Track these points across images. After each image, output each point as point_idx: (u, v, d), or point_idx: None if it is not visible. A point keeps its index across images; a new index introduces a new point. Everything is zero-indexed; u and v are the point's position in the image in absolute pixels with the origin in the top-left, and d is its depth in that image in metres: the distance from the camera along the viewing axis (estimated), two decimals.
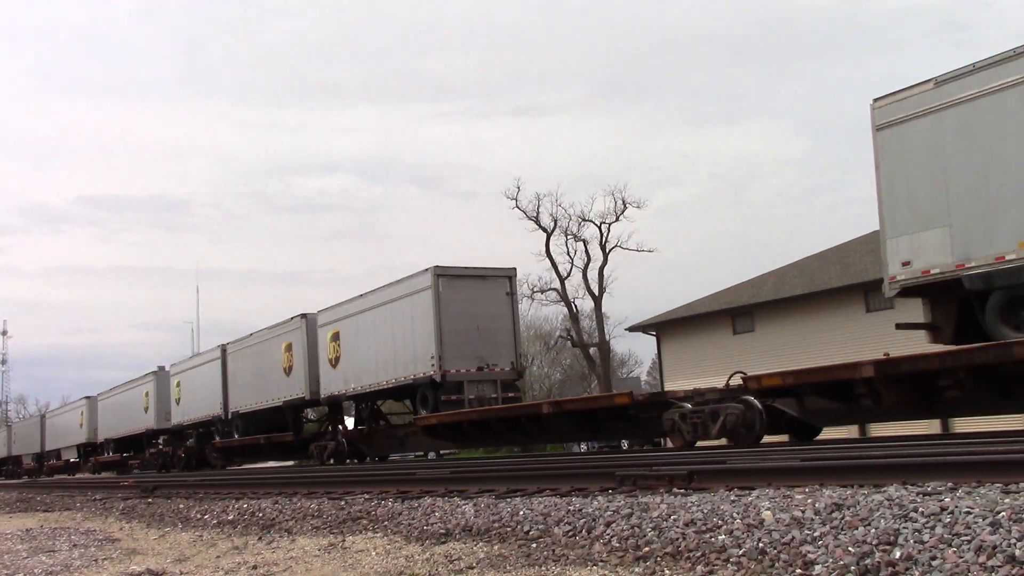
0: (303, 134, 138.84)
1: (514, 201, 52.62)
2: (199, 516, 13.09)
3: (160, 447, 41.50)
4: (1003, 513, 5.09)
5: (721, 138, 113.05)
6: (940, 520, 5.24)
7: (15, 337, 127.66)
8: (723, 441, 17.28)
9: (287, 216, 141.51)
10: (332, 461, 28.27)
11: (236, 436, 33.95)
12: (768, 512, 6.20)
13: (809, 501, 6.35)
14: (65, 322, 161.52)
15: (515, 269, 25.12)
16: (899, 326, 15.93)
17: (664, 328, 39.51)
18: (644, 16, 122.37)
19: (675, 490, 8.25)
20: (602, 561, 6.25)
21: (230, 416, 34.52)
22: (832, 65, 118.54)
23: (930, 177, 14.10)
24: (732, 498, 7.09)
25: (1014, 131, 13.07)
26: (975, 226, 13.49)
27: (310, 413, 33.18)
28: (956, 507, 5.40)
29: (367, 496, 11.60)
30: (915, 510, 5.52)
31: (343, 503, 11.20)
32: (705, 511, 6.62)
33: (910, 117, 14.37)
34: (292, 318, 30.86)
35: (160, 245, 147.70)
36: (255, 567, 7.93)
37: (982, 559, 4.61)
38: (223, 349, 36.18)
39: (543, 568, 6.31)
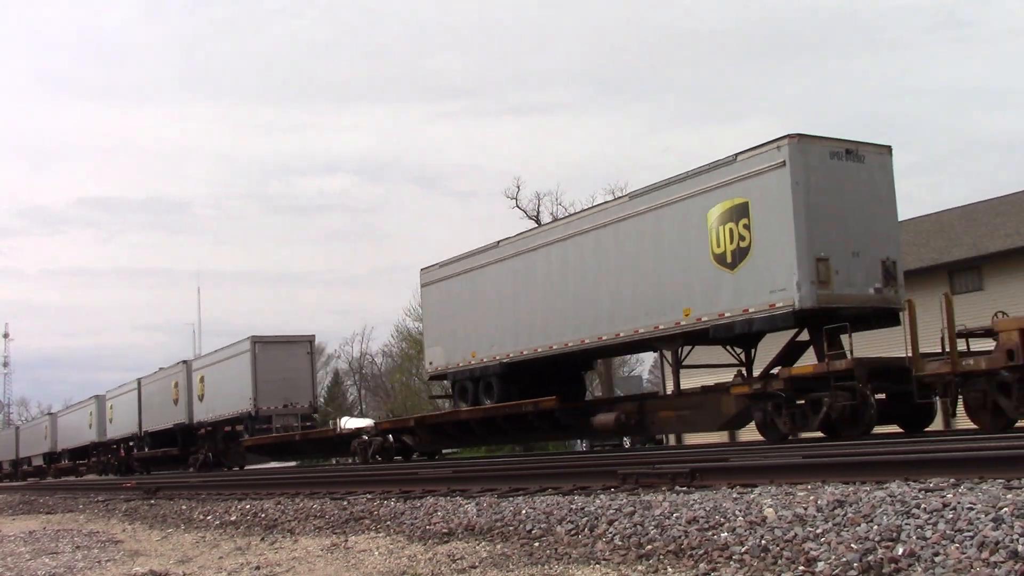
0: (303, 134, 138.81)
1: (514, 200, 52.63)
2: (202, 517, 13.09)
3: (97, 457, 53.30)
4: (1005, 509, 5.09)
5: (720, 136, 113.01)
6: (942, 516, 5.24)
7: (16, 339, 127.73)
8: (724, 436, 17.28)
9: (287, 217, 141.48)
10: (196, 469, 38.53)
11: (147, 449, 45.22)
12: (770, 509, 6.20)
13: (811, 498, 6.35)
14: (66, 324, 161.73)
15: (314, 336, 37.63)
16: (431, 397, 35.17)
17: None
18: (643, 14, 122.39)
19: (677, 488, 8.26)
20: (605, 559, 6.26)
21: (143, 434, 45.75)
22: (831, 62, 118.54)
23: (439, 317, 25.61)
24: (734, 496, 7.09)
25: (460, 300, 24.65)
26: (453, 346, 24.67)
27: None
28: (958, 503, 5.40)
29: (369, 496, 11.60)
30: (917, 506, 5.52)
31: (345, 503, 11.20)
32: (707, 509, 6.62)
33: (432, 282, 25.99)
34: (177, 363, 42.93)
35: (160, 246, 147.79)
36: (258, 568, 7.94)
37: (984, 555, 4.61)
38: (139, 382, 47.34)
39: (546, 567, 6.32)
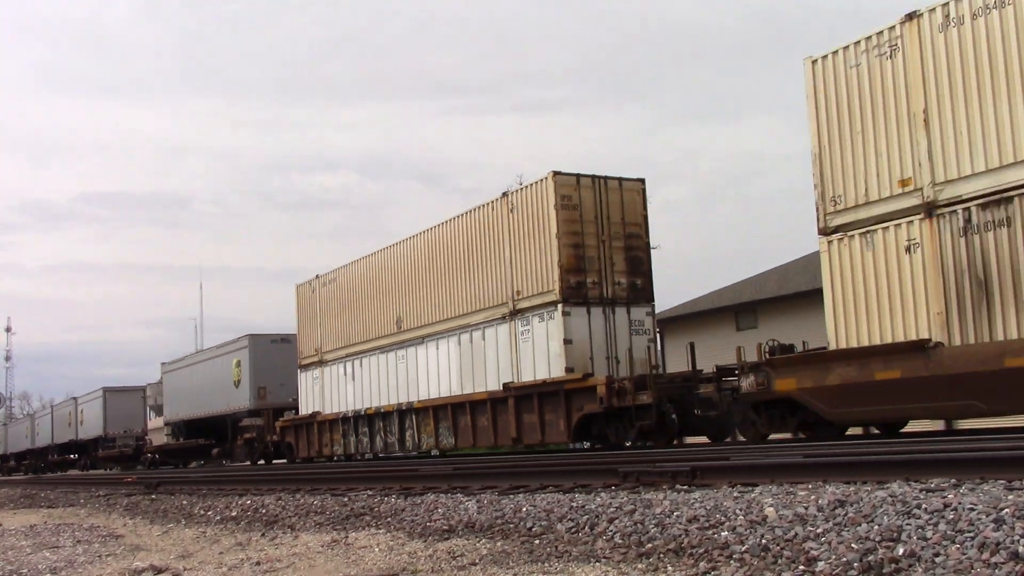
0: (304, 131, 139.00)
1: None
2: (202, 512, 13.11)
3: (30, 460, 68.26)
4: (1006, 510, 5.08)
5: (723, 134, 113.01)
6: (943, 517, 5.24)
7: (17, 334, 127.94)
8: (730, 438, 17.32)
9: (289, 213, 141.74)
10: (80, 470, 51.72)
11: (56, 456, 61.92)
12: (771, 508, 6.20)
13: (812, 498, 6.35)
14: (67, 319, 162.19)
15: (145, 387, 50.59)
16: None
17: (667, 325, 39.48)
18: (646, 11, 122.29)
19: (678, 487, 8.26)
20: (605, 558, 6.25)
21: (54, 445, 62.47)
22: None
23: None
24: (735, 495, 7.09)
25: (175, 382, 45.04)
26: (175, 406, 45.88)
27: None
28: (959, 504, 5.39)
29: (370, 492, 11.61)
30: (918, 507, 5.52)
31: (346, 499, 11.21)
32: (708, 507, 6.62)
33: (169, 371, 45.91)
34: (69, 399, 61.58)
35: (161, 242, 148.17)
36: (258, 563, 7.94)
37: (985, 556, 4.61)
38: (52, 408, 66.66)
39: (546, 564, 6.31)
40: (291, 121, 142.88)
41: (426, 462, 19.77)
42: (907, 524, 5.24)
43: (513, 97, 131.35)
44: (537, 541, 7.08)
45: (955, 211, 13.16)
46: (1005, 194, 12.54)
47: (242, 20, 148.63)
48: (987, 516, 5.06)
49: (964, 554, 4.69)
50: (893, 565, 4.82)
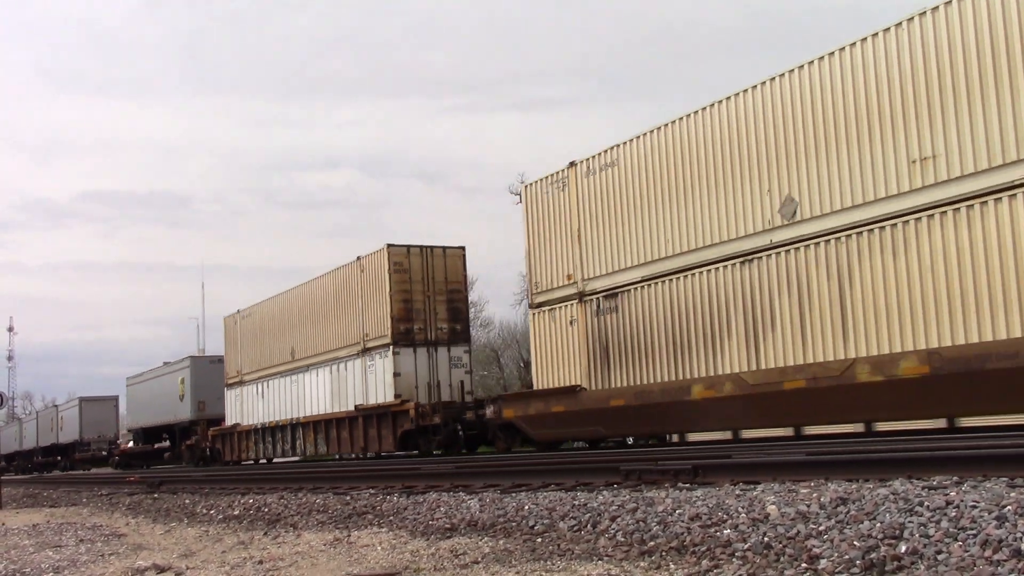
0: (305, 129, 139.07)
1: (518, 196, 52.82)
2: (205, 511, 13.12)
3: (18, 462, 72.01)
4: (1009, 507, 5.08)
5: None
6: (946, 514, 5.24)
7: (19, 333, 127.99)
8: (727, 435, 17.28)
9: (290, 212, 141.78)
10: (61, 470, 55.28)
11: (40, 458, 66.03)
12: (773, 506, 6.20)
13: (814, 495, 6.35)
14: (69, 318, 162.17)
15: (117, 396, 58.11)
16: None
17: None
18: (646, 9, 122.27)
19: (680, 484, 8.26)
20: (607, 556, 6.26)
21: (39, 447, 66.26)
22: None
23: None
24: (737, 492, 7.09)
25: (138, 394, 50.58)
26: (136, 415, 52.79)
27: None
28: (962, 501, 5.39)
29: (372, 491, 11.62)
30: (920, 504, 5.52)
31: (348, 498, 11.21)
32: (710, 505, 6.62)
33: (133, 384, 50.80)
34: (50, 407, 72.07)
35: (163, 241, 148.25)
36: (261, 562, 7.95)
37: (988, 553, 4.61)
38: (38, 415, 72.20)
39: (548, 563, 6.32)
40: (292, 119, 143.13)
41: (428, 461, 19.79)
42: (909, 522, 5.24)
43: (514, 95, 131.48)
44: (539, 539, 7.09)
45: (593, 299, 19.27)
46: (615, 290, 18.81)
47: (242, 18, 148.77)
48: (989, 514, 5.06)
49: (966, 551, 4.69)
50: (895, 563, 4.82)
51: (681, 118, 17.33)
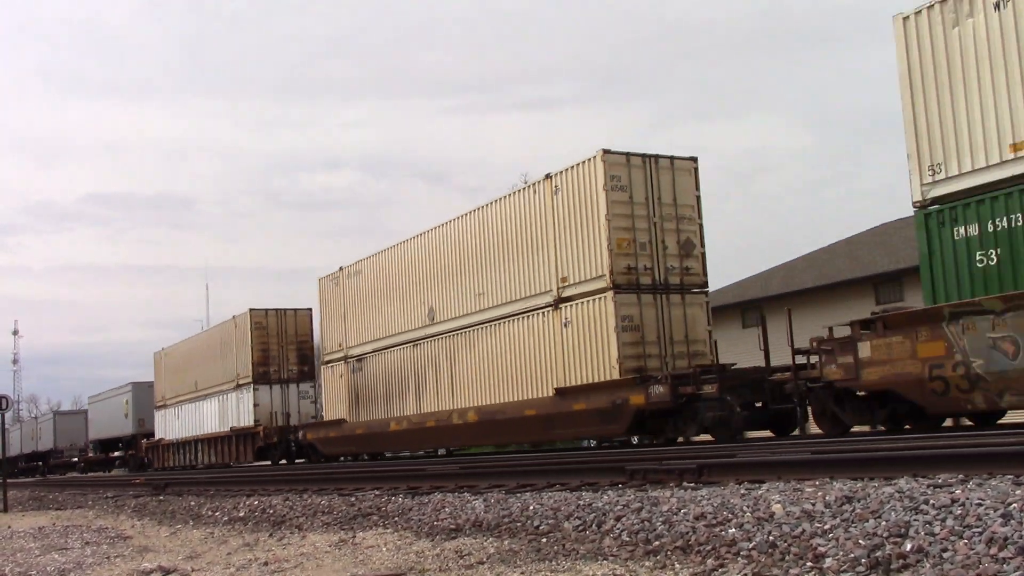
0: (308, 130, 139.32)
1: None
2: (210, 513, 13.13)
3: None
4: (1015, 505, 5.07)
5: (727, 131, 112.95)
6: (951, 512, 5.23)
7: (24, 336, 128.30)
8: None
9: (293, 213, 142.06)
10: (41, 475, 57.59)
11: (23, 463, 68.09)
12: (778, 505, 6.19)
13: (819, 494, 6.33)
14: (73, 321, 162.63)
15: (86, 410, 59.15)
16: None
17: None
18: (649, 8, 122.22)
19: (685, 484, 8.24)
20: (612, 555, 6.25)
21: (24, 453, 68.38)
22: (840, 56, 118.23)
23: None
24: (742, 492, 7.08)
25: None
26: None
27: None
28: (967, 499, 5.38)
29: (377, 492, 11.62)
30: (926, 502, 5.51)
31: (353, 499, 11.21)
32: (715, 505, 6.61)
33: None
34: (31, 419, 75.31)
35: (167, 243, 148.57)
36: (266, 563, 7.95)
37: (993, 551, 4.60)
38: (36, 420, 71.38)
39: (553, 563, 6.31)
40: (294, 120, 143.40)
41: (432, 461, 19.79)
42: (915, 520, 5.23)
43: (516, 95, 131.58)
44: (544, 539, 7.08)
45: (351, 361, 25.97)
46: (361, 356, 27.05)
47: (244, 19, 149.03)
48: (995, 511, 5.05)
49: (972, 549, 4.68)
50: (901, 561, 4.81)
51: (390, 248, 26.56)
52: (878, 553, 4.94)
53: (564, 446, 26.59)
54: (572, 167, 19.63)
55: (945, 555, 4.71)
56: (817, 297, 34.35)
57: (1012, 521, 4.85)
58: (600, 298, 18.71)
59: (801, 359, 15.93)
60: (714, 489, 7.58)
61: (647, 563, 5.92)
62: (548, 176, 20.34)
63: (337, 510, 10.64)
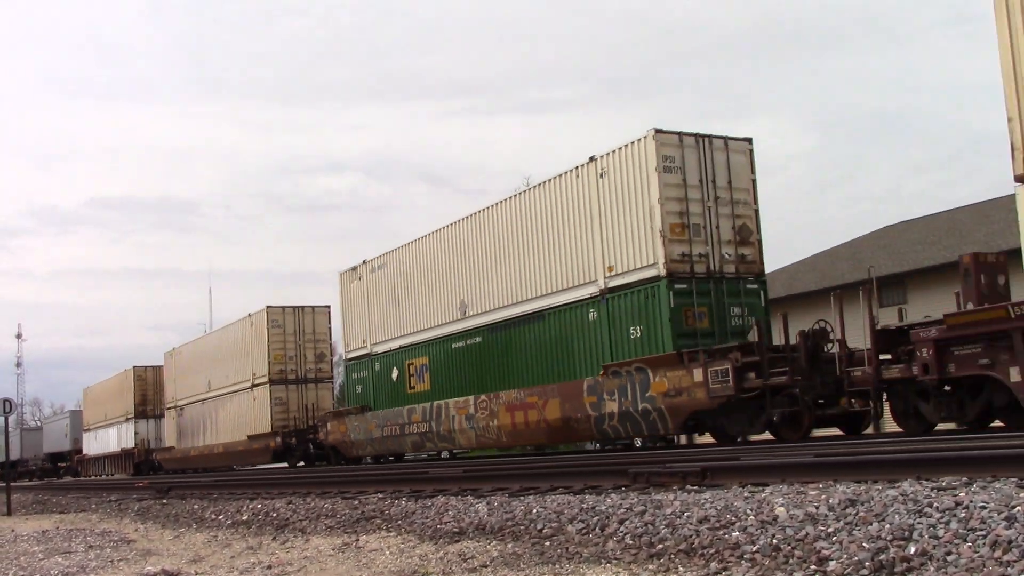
0: (311, 133, 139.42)
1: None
2: (213, 516, 13.13)
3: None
4: (1019, 508, 5.06)
5: (729, 133, 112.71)
6: (955, 515, 5.22)
7: (27, 340, 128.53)
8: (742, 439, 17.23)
9: (296, 216, 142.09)
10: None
11: None
12: (782, 508, 6.19)
13: (823, 497, 6.33)
14: (77, 324, 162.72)
15: (41, 426, 70.35)
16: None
17: None
18: (650, 11, 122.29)
19: (688, 487, 8.24)
20: (616, 559, 6.25)
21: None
22: (841, 58, 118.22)
23: None
24: (745, 495, 7.08)
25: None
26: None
27: None
28: (971, 502, 5.37)
29: (380, 495, 11.62)
30: (930, 505, 5.50)
31: (356, 502, 11.21)
32: (719, 508, 6.60)
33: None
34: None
35: (170, 246, 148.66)
36: (269, 567, 7.95)
37: (997, 554, 4.59)
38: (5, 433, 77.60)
39: (557, 566, 6.31)
40: (296, 123, 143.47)
41: (437, 464, 19.78)
42: (919, 523, 5.23)
43: (518, 98, 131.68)
44: (548, 543, 7.08)
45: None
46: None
47: (245, 22, 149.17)
48: (999, 514, 5.04)
49: (976, 552, 4.68)
50: (905, 564, 4.81)
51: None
52: (882, 556, 4.93)
53: (567, 449, 26.58)
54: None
55: (949, 558, 4.71)
56: (820, 299, 34.24)
57: (1016, 524, 4.84)
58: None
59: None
60: (717, 492, 7.57)
61: (650, 566, 5.92)
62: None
63: (340, 513, 10.64)
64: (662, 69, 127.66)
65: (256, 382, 33.77)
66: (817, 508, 6.00)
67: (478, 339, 22.44)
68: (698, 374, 16.18)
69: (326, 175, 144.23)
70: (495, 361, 21.89)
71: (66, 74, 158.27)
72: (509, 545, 7.28)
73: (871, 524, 5.43)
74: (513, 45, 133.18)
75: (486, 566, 6.63)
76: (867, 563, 4.91)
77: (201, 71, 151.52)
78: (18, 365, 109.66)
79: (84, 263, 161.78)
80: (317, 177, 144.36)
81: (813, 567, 5.12)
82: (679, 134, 17.86)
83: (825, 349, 15.73)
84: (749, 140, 18.77)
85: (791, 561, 5.32)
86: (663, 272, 17.19)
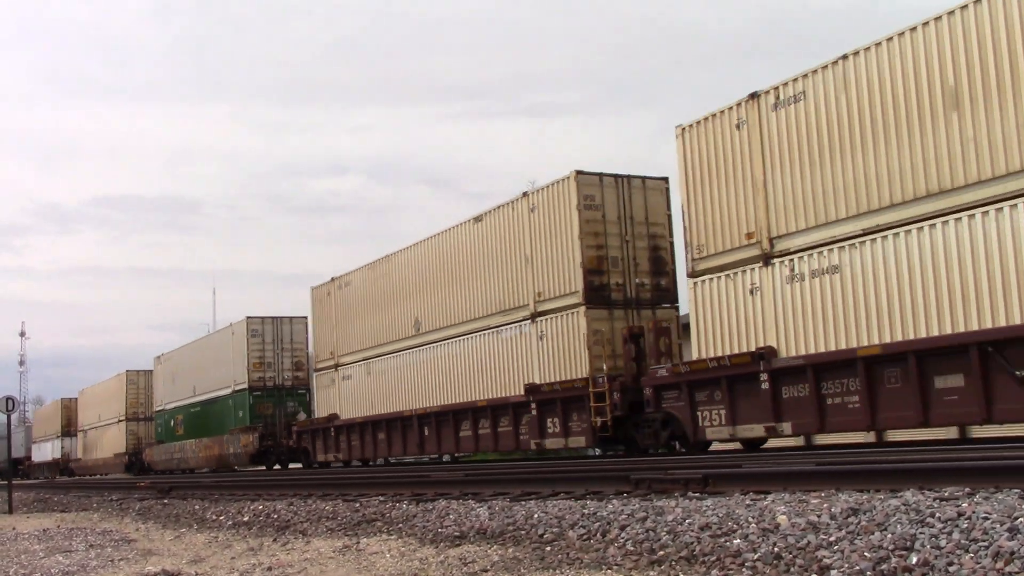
0: (314, 135, 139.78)
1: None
2: (214, 517, 13.13)
3: None
4: (1021, 519, 5.05)
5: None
6: (957, 525, 5.21)
7: (30, 338, 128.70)
8: (736, 445, 17.22)
9: (299, 217, 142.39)
10: None
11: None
12: (783, 516, 6.18)
13: (825, 506, 6.32)
14: (79, 323, 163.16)
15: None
16: None
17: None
18: (653, 14, 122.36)
19: (690, 494, 8.23)
20: (616, 564, 6.24)
21: None
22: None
23: None
24: (747, 502, 7.07)
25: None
26: None
27: None
28: (973, 512, 5.36)
29: (382, 498, 11.62)
30: (932, 515, 5.49)
31: (358, 505, 11.21)
32: (720, 515, 6.59)
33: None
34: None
35: (173, 246, 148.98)
36: (270, 568, 7.95)
37: (1000, 565, 4.58)
38: None
39: (557, 571, 6.31)
40: (300, 125, 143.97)
41: (438, 468, 19.77)
42: (921, 533, 5.21)
43: (522, 101, 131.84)
44: (548, 548, 7.07)
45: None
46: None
47: (250, 23, 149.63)
48: (1001, 525, 5.03)
49: (978, 563, 4.66)
50: (907, 574, 4.80)
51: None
52: (883, 566, 4.92)
53: (568, 454, 26.50)
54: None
55: (951, 569, 4.70)
56: None
57: (1019, 535, 4.83)
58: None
59: None
60: (719, 499, 7.56)
61: (651, 573, 5.91)
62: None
63: (341, 516, 10.63)
64: (667, 72, 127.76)
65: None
66: (819, 517, 5.99)
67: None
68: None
69: (329, 176, 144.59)
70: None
71: (70, 73, 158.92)
72: (510, 549, 7.27)
73: (873, 533, 5.42)
74: (517, 48, 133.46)
75: (487, 570, 6.62)
76: (868, 572, 4.90)
77: (205, 71, 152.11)
78: (21, 363, 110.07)
79: (87, 262, 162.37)
80: (321, 178, 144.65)
81: (815, 575, 5.11)
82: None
83: None
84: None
85: (792, 569, 5.31)
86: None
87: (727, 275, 15.83)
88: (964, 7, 12.61)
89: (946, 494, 6.25)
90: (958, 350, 12.25)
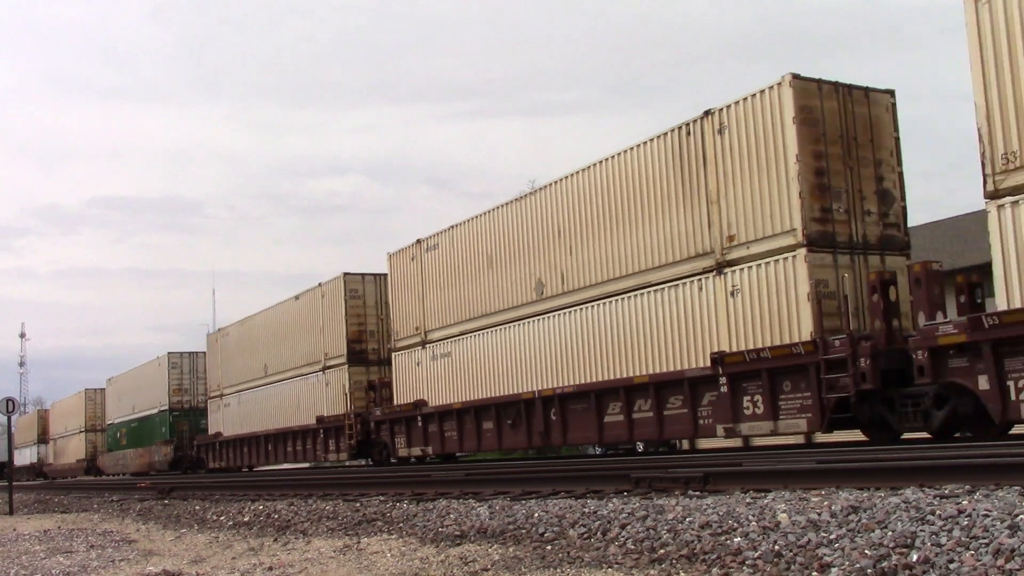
0: (314, 135, 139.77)
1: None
2: (215, 518, 13.13)
3: None
4: (1022, 516, 5.05)
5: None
6: (958, 523, 5.21)
7: (30, 339, 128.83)
8: (737, 442, 17.17)
9: (299, 217, 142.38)
10: None
11: None
12: (784, 515, 6.18)
13: (825, 504, 6.32)
14: (79, 324, 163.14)
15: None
16: None
17: None
18: (653, 15, 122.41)
19: (690, 492, 8.24)
20: (617, 563, 6.24)
21: None
22: (845, 63, 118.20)
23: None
24: (748, 500, 7.07)
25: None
26: None
27: None
28: (974, 510, 5.36)
29: (382, 498, 11.62)
30: (932, 513, 5.49)
31: (358, 505, 11.21)
32: (720, 513, 6.60)
33: None
34: None
35: (173, 247, 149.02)
36: (271, 568, 7.95)
37: (1000, 562, 4.58)
38: None
39: (558, 570, 6.31)
40: (300, 125, 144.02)
41: (439, 468, 19.77)
42: (921, 530, 5.21)
43: (521, 101, 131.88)
44: (549, 547, 7.08)
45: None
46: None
47: (250, 23, 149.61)
48: (1002, 522, 5.03)
49: (979, 560, 4.67)
50: (907, 571, 4.80)
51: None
52: (884, 563, 4.92)
53: (568, 452, 26.54)
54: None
55: (951, 566, 4.70)
56: None
57: (1019, 532, 4.83)
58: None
59: None
60: (720, 498, 7.57)
61: (652, 571, 5.91)
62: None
63: (342, 516, 10.63)
64: (667, 72, 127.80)
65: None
66: (819, 515, 5.99)
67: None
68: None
69: (329, 177, 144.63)
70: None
71: (70, 74, 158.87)
72: (510, 549, 7.27)
73: (873, 531, 5.42)
74: (517, 48, 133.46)
75: (487, 570, 6.62)
76: (869, 570, 4.90)
77: (205, 72, 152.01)
78: (21, 364, 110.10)
79: (87, 263, 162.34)
80: (321, 179, 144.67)
81: (815, 574, 5.11)
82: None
83: None
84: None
85: (793, 567, 5.31)
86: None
87: None
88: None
89: (946, 491, 6.25)
90: None
